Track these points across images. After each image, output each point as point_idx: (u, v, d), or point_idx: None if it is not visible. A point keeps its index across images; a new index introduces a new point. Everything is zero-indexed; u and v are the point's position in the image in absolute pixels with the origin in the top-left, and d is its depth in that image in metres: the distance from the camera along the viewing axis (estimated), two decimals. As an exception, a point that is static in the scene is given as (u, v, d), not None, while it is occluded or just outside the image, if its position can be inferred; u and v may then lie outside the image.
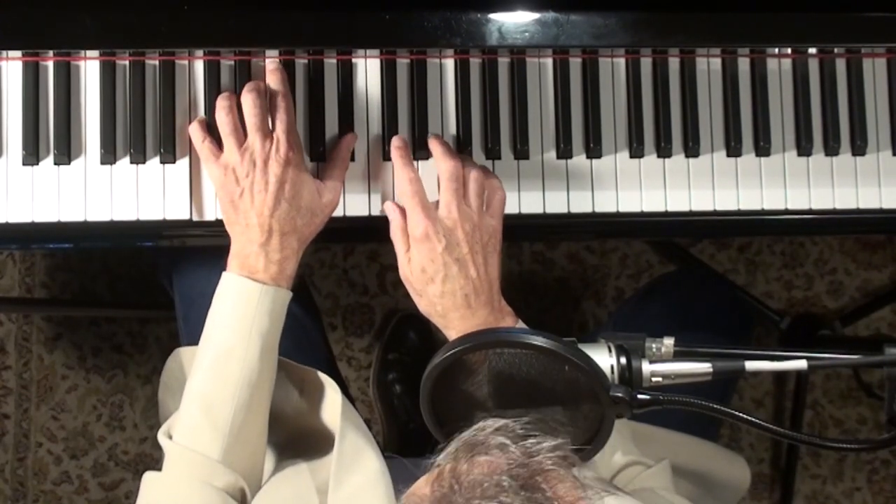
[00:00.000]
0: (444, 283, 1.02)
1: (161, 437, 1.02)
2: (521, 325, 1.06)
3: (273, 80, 1.08)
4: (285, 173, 1.02)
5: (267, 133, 1.03)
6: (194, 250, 1.17)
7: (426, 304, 1.04)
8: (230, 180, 1.03)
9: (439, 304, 1.03)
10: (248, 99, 1.04)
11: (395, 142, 1.09)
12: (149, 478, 1.00)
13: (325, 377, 1.05)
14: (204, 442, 0.99)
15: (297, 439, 1.09)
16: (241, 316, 1.00)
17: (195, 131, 1.07)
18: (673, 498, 1.03)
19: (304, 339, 1.27)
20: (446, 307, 1.02)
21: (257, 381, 1.00)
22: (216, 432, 0.99)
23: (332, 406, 1.03)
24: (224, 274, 1.03)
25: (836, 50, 1.15)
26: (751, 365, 0.82)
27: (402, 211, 1.06)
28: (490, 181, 1.06)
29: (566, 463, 0.68)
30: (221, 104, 1.05)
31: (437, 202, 1.04)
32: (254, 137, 1.03)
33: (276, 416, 1.07)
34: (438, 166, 1.06)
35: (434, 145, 1.08)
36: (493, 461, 0.67)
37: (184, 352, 1.15)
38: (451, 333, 1.04)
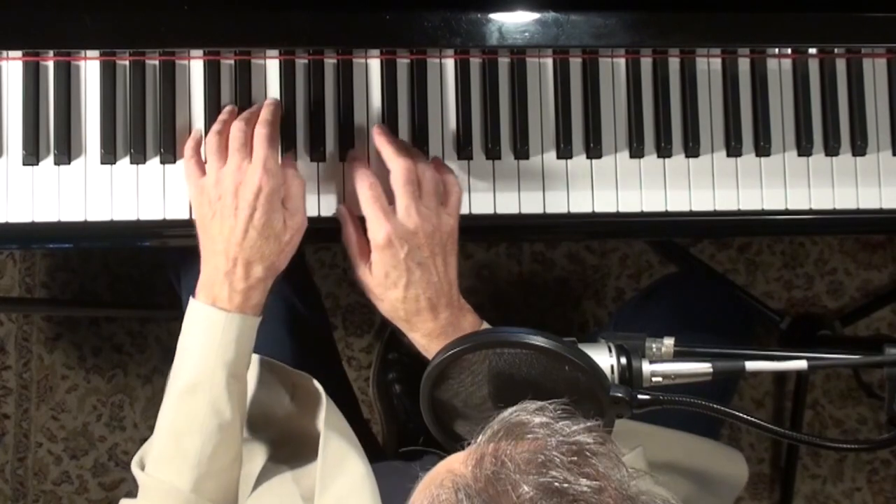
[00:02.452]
0: (407, 289, 1.01)
1: (134, 468, 1.02)
2: (485, 324, 1.06)
3: (266, 108, 1.06)
4: (256, 200, 0.99)
5: (245, 157, 1.01)
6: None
7: (389, 309, 1.04)
8: (204, 202, 1.02)
9: (402, 310, 1.02)
10: (235, 125, 1.03)
11: (351, 153, 1.08)
12: None
13: (315, 383, 1.05)
14: (174, 473, 0.99)
15: (285, 442, 1.09)
16: (206, 346, 0.99)
17: (188, 147, 1.06)
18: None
19: (310, 339, 1.27)
20: (409, 311, 1.02)
21: (225, 410, 0.99)
22: (185, 463, 0.99)
23: (321, 411, 1.03)
24: (191, 301, 1.02)
25: (836, 50, 1.15)
26: (751, 365, 0.82)
27: (352, 215, 1.06)
28: (446, 177, 1.05)
29: (603, 440, 0.68)
30: (215, 128, 1.05)
31: (395, 206, 1.03)
32: (231, 160, 1.01)
33: (267, 418, 1.07)
34: (390, 167, 1.04)
35: (382, 143, 1.06)
36: (538, 441, 0.67)
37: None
38: (416, 336, 1.04)
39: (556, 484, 0.63)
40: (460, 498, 0.64)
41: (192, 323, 1.01)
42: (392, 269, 1.01)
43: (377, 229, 1.01)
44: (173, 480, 0.99)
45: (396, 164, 1.03)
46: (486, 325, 1.06)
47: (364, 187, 1.03)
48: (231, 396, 0.99)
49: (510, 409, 0.71)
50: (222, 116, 1.05)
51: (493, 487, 0.64)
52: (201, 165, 1.04)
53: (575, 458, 0.65)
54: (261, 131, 1.02)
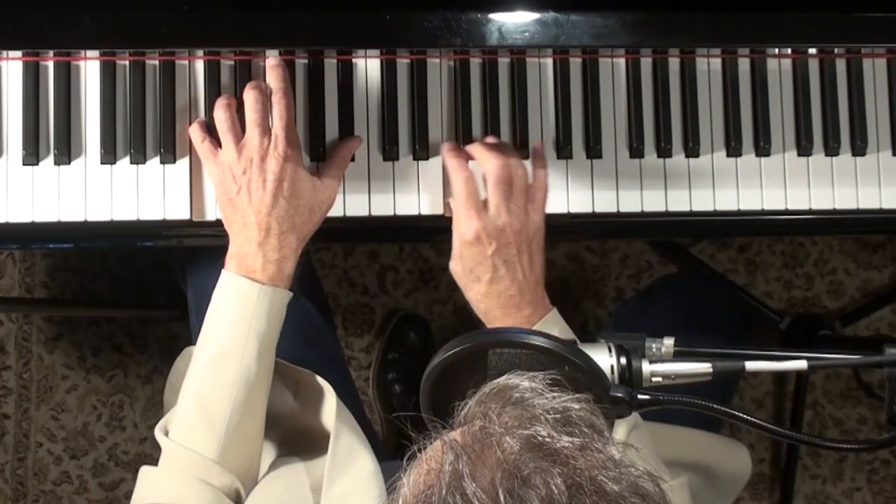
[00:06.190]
0: (491, 285, 1.02)
1: (157, 433, 1.02)
2: (566, 327, 1.06)
3: (274, 75, 1.07)
4: (283, 170, 1.01)
5: (265, 130, 1.03)
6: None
7: (471, 300, 1.05)
8: (228, 178, 1.03)
9: (482, 303, 1.04)
10: (249, 96, 1.04)
11: (447, 145, 1.09)
12: (145, 472, 1.01)
13: (320, 379, 1.05)
14: (200, 441, 0.99)
15: (293, 439, 1.09)
16: (238, 316, 1.00)
17: (195, 132, 1.07)
18: None
19: (317, 337, 1.27)
20: (490, 306, 1.03)
21: (254, 382, 1.00)
22: (212, 432, 0.98)
23: (328, 407, 1.03)
24: (223, 272, 1.02)
25: (836, 50, 1.15)
26: (751, 365, 0.82)
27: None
28: (536, 172, 1.06)
29: (592, 411, 0.69)
30: (220, 103, 1.05)
31: (485, 202, 1.04)
32: (251, 133, 1.03)
33: (273, 417, 1.06)
34: (484, 166, 1.05)
35: (476, 145, 1.08)
36: (526, 402, 0.68)
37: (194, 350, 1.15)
38: None
39: (539, 438, 0.64)
40: (446, 451, 0.64)
41: (223, 295, 1.02)
42: (477, 264, 1.03)
43: (467, 225, 1.03)
44: (199, 448, 0.98)
45: (491, 163, 1.04)
46: (565, 327, 1.06)
47: (460, 183, 1.05)
48: (261, 369, 1.00)
49: (501, 377, 0.71)
50: (222, 101, 1.06)
51: (479, 443, 0.64)
52: (216, 145, 1.05)
53: (559, 417, 0.66)
54: (281, 101, 1.05)
